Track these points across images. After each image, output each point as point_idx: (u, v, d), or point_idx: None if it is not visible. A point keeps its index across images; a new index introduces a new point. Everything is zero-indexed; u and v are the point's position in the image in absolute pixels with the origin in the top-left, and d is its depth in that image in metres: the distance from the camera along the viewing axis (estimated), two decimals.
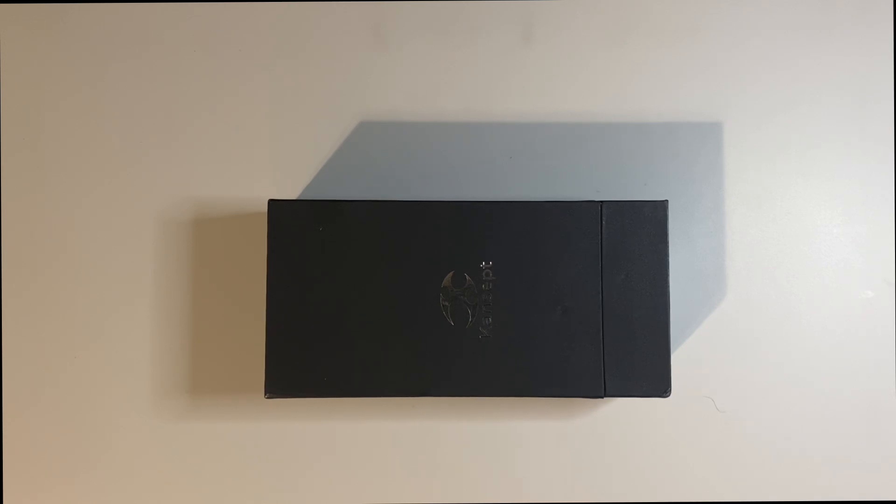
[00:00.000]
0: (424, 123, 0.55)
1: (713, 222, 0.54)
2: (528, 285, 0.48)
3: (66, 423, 0.54)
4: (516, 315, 0.47)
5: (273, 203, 0.48)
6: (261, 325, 0.49)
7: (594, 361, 0.47)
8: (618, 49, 0.55)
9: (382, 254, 0.48)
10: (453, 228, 0.48)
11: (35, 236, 0.54)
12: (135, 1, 0.56)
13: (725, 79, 0.55)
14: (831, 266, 0.54)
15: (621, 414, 0.53)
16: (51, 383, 0.54)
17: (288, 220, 0.48)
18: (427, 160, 0.55)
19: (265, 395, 0.47)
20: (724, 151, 0.55)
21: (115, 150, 0.55)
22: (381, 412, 0.53)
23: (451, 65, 0.55)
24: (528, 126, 0.55)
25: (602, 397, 0.48)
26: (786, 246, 0.54)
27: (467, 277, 0.48)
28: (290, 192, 0.54)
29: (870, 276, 0.54)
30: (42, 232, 0.54)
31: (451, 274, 0.48)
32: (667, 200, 0.48)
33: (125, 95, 0.55)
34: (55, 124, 0.55)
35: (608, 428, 0.53)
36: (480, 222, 0.48)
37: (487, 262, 0.48)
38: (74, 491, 0.53)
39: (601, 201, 0.48)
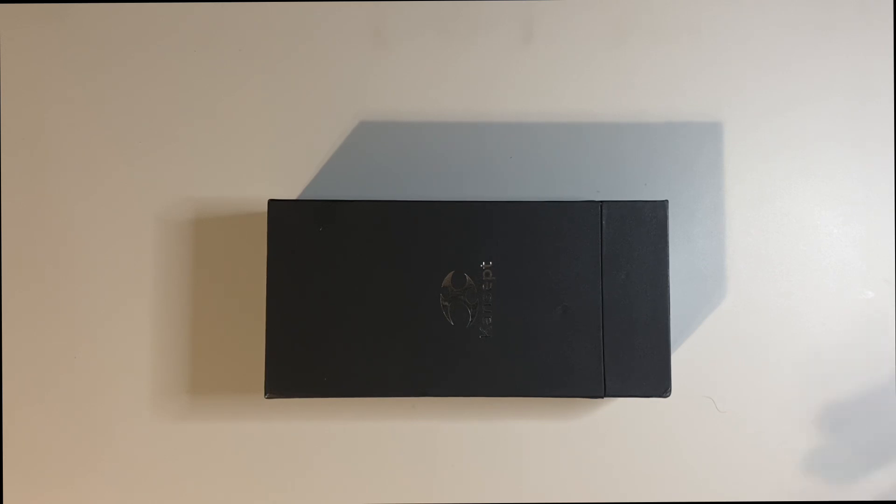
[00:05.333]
0: (424, 123, 0.55)
1: (713, 222, 0.54)
2: (528, 285, 0.48)
3: (66, 424, 0.54)
4: (516, 315, 0.47)
5: (273, 203, 0.48)
6: (261, 325, 0.49)
7: (594, 361, 0.47)
8: (618, 49, 0.55)
9: (382, 254, 0.48)
10: (453, 228, 0.48)
11: (35, 236, 0.54)
12: (135, 1, 0.56)
13: (725, 79, 0.55)
14: (831, 266, 0.54)
15: (621, 414, 0.53)
16: (51, 383, 0.54)
17: (288, 220, 0.48)
18: (427, 160, 0.55)
19: (265, 395, 0.47)
20: (724, 151, 0.55)
21: (115, 150, 0.55)
22: (381, 412, 0.53)
23: (451, 65, 0.55)
24: (528, 126, 0.55)
25: (602, 397, 0.48)
26: (786, 246, 0.54)
27: (467, 277, 0.48)
28: (290, 192, 0.54)
29: (870, 276, 0.54)
30: (42, 232, 0.54)
31: (451, 274, 0.48)
32: (667, 200, 0.49)
33: (125, 95, 0.55)
34: (55, 124, 0.55)
35: (608, 428, 0.53)
36: (480, 222, 0.48)
37: (487, 262, 0.48)
38: (74, 491, 0.53)
39: (601, 201, 0.48)
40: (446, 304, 0.48)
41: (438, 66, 0.55)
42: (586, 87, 0.55)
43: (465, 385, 0.47)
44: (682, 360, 0.53)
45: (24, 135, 0.55)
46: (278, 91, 0.55)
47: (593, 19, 0.56)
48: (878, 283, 0.54)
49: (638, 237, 0.48)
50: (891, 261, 0.54)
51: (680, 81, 0.55)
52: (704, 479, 0.53)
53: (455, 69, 0.55)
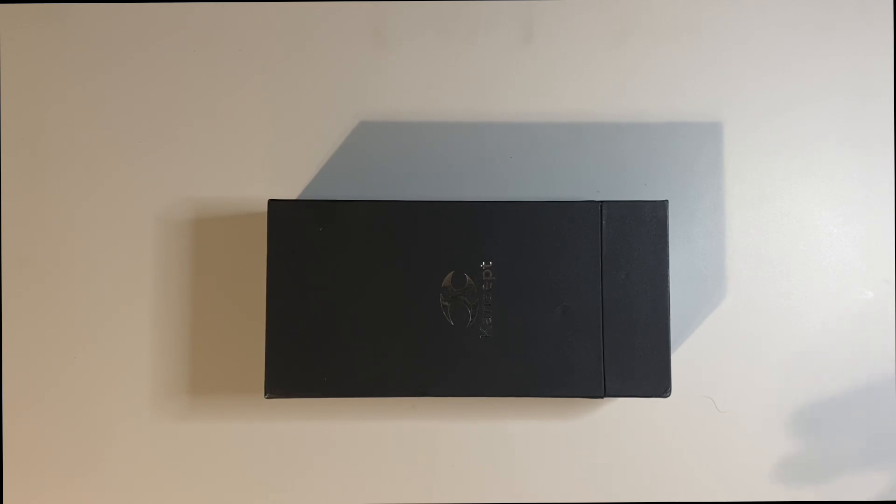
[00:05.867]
0: (424, 123, 0.55)
1: (713, 222, 0.54)
2: (528, 285, 0.48)
3: (66, 424, 0.54)
4: (516, 315, 0.47)
5: (273, 203, 0.48)
6: (261, 325, 0.49)
7: (594, 361, 0.47)
8: (618, 49, 0.55)
9: (382, 254, 0.48)
10: (453, 228, 0.48)
11: (35, 236, 0.54)
12: (135, 1, 0.56)
13: (725, 79, 0.55)
14: (831, 266, 0.54)
15: (621, 414, 0.53)
16: (51, 383, 0.54)
17: (288, 220, 0.48)
18: (427, 160, 0.55)
19: (265, 395, 0.47)
20: (724, 151, 0.55)
21: (115, 150, 0.55)
22: (381, 412, 0.53)
23: (451, 65, 0.55)
24: (528, 126, 0.55)
25: (602, 397, 0.48)
26: (786, 246, 0.54)
27: (467, 277, 0.48)
28: (290, 192, 0.54)
29: (870, 276, 0.54)
30: (42, 232, 0.54)
31: (451, 274, 0.48)
32: (667, 200, 0.48)
33: (125, 95, 0.55)
34: (55, 124, 0.55)
35: (608, 428, 0.53)
36: (480, 222, 0.48)
37: (487, 262, 0.48)
38: (74, 491, 0.53)
39: (601, 201, 0.48)
40: (446, 304, 0.48)
41: (438, 66, 0.55)
42: (586, 87, 0.55)
43: (465, 385, 0.47)
44: (682, 360, 0.53)
45: (24, 135, 0.55)
46: (278, 91, 0.55)
47: (593, 19, 0.56)
48: (878, 283, 0.54)
49: (638, 237, 0.48)
50: (891, 261, 0.54)
51: (680, 81, 0.55)
52: (704, 479, 0.53)
53: (455, 69, 0.55)
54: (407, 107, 0.55)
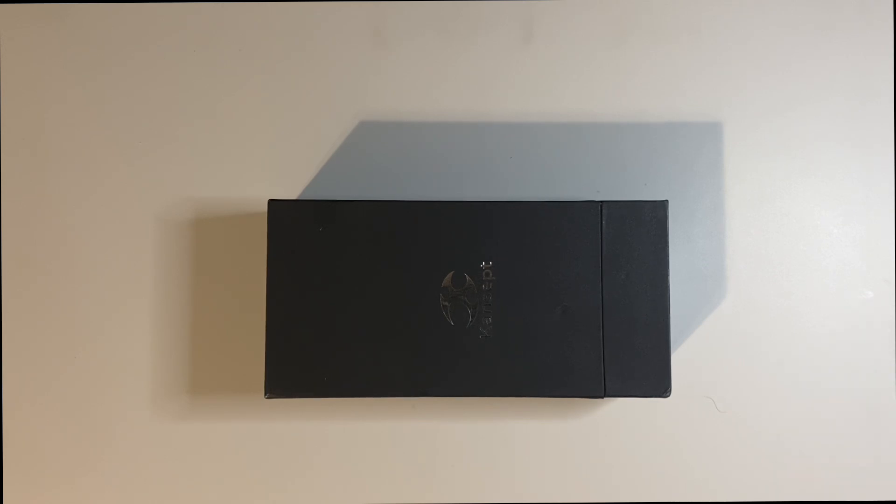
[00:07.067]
0: (424, 123, 0.55)
1: (713, 222, 0.54)
2: (528, 285, 0.48)
3: (66, 423, 0.54)
4: (516, 315, 0.47)
5: (273, 203, 0.48)
6: (261, 325, 0.49)
7: (594, 361, 0.47)
8: (618, 49, 0.55)
9: (382, 254, 0.48)
10: (453, 228, 0.48)
11: (35, 236, 0.54)
12: (135, 1, 0.56)
13: (725, 79, 0.55)
14: (831, 266, 0.54)
15: (621, 414, 0.53)
16: (51, 383, 0.54)
17: (288, 220, 0.48)
18: (427, 160, 0.55)
19: (265, 395, 0.47)
20: (724, 151, 0.55)
21: (115, 150, 0.55)
22: (381, 412, 0.53)
23: (451, 65, 0.55)
24: (528, 126, 0.55)
25: (602, 397, 0.48)
26: (786, 246, 0.54)
27: (467, 277, 0.48)
28: (290, 192, 0.54)
29: (870, 276, 0.54)
30: (42, 232, 0.54)
31: (451, 274, 0.48)
32: (667, 200, 0.48)
33: (125, 95, 0.55)
34: (55, 124, 0.55)
35: (608, 428, 0.53)
36: (480, 222, 0.48)
37: (487, 262, 0.48)
38: (74, 491, 0.53)
39: (601, 201, 0.48)
40: (446, 304, 0.48)
41: (438, 66, 0.55)
42: (586, 87, 0.55)
43: (465, 385, 0.47)
44: (682, 360, 0.53)
45: (24, 135, 0.55)
46: (278, 91, 0.55)
47: (593, 19, 0.56)
48: (878, 283, 0.54)
49: (638, 237, 0.48)
50: (891, 261, 0.54)
51: (680, 81, 0.55)
52: (704, 479, 0.53)
53: (455, 69, 0.55)
54: (407, 107, 0.55)
